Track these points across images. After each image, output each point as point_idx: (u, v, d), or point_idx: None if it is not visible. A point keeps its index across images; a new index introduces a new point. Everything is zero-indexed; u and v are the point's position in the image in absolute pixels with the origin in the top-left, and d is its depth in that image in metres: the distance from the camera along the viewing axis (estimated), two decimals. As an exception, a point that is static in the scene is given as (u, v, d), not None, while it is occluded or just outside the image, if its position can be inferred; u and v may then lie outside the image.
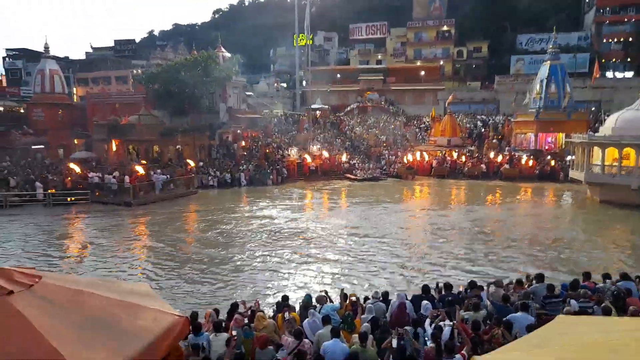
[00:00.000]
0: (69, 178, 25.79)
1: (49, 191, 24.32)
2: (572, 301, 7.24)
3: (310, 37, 54.88)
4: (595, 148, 23.77)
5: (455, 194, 27.53)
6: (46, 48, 37.70)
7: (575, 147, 26.12)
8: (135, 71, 45.12)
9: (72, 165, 27.28)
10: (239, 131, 38.46)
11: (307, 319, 7.00)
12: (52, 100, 36.66)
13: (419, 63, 60.58)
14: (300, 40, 52.78)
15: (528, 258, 14.42)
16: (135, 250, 16.05)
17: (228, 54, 39.80)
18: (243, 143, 37.00)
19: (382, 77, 54.28)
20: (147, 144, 30.62)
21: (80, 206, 23.66)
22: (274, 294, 11.28)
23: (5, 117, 38.07)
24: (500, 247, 15.59)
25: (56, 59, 42.51)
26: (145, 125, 30.28)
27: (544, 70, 35.12)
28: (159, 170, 26.72)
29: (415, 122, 45.36)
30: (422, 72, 54.88)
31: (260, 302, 8.25)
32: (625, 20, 55.06)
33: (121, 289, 4.34)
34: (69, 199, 24.32)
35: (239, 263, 14.14)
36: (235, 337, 6.28)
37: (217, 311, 7.82)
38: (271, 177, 31.10)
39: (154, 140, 30.90)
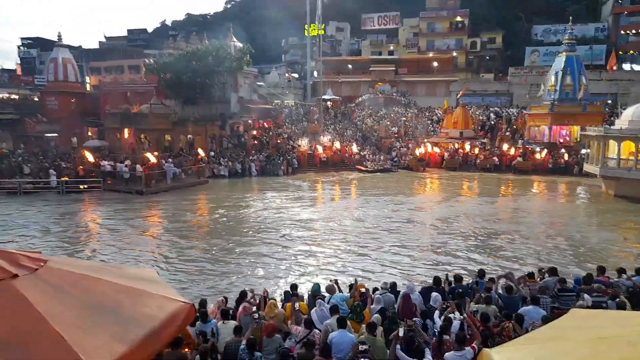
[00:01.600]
0: (82, 166, 26.02)
1: (62, 179, 24.59)
2: (586, 295, 7.12)
3: (322, 27, 54.37)
4: (611, 141, 23.31)
5: (466, 187, 27.26)
6: (59, 37, 37.91)
7: (590, 140, 25.64)
8: (147, 60, 45.23)
9: (85, 154, 27.51)
10: (250, 121, 38.45)
11: (314, 308, 6.96)
12: (66, 89, 36.92)
13: (431, 54, 59.82)
14: (312, 30, 52.37)
15: (541, 251, 14.22)
16: (145, 237, 16.16)
17: (239, 44, 39.67)
18: (254, 133, 37.00)
19: (394, 68, 53.78)
20: (158, 133, 30.74)
21: (92, 194, 23.89)
22: (282, 282, 11.26)
23: (20, 106, 38.42)
24: (512, 241, 15.40)
25: (69, 47, 42.77)
26: (157, 114, 30.39)
27: (559, 62, 34.44)
28: (170, 160, 26.84)
29: (427, 113, 44.94)
30: (435, 64, 54.24)
31: (268, 290, 8.22)
32: (645, 11, 53.68)
33: (127, 274, 4.31)
34: (81, 186, 24.57)
35: (248, 252, 14.16)
36: (256, 319, 6.25)
37: (226, 299, 7.83)
38: (282, 167, 31.07)
39: (165, 130, 31.02)
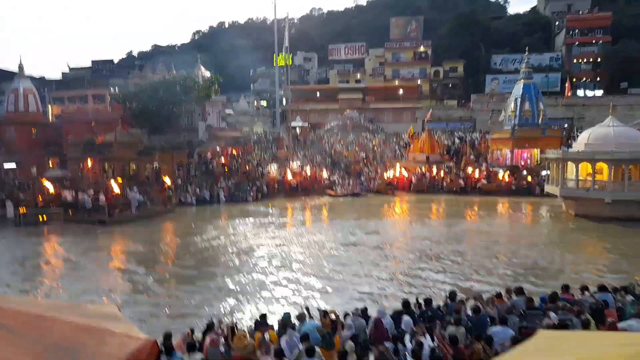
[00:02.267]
0: (41, 197, 25.03)
1: (20, 210, 23.53)
2: (552, 314, 7.25)
3: (290, 57, 55.29)
4: (569, 163, 24.32)
5: (434, 209, 27.71)
6: (20, 67, 37.00)
7: (550, 162, 26.69)
8: (113, 90, 44.59)
9: (45, 183, 26.50)
10: (218, 149, 38.20)
11: (284, 338, 6.80)
12: (26, 119, 35.82)
13: (397, 82, 61.57)
14: (280, 60, 53.17)
15: (507, 271, 14.48)
16: (106, 269, 15.55)
17: (207, 73, 39.76)
18: (223, 160, 36.73)
19: (362, 96, 54.93)
20: (123, 162, 30.09)
21: (52, 225, 22.93)
22: (249, 311, 10.99)
23: (-24, 137, 36.95)
24: (479, 260, 15.62)
25: (31, 78, 41.76)
26: (122, 143, 29.79)
27: (518, 89, 36.03)
28: (135, 188, 26.19)
29: (394, 139, 45.84)
30: (400, 91, 55.77)
31: (236, 321, 8.00)
32: (594, 41, 57.20)
33: (86, 312, 4.10)
34: (40, 218, 23.55)
35: (215, 283, 13.81)
36: (222, 353, 6.04)
37: (192, 331, 7.56)
38: (251, 193, 30.81)
39: (130, 159, 30.40)
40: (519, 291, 8.73)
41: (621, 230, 20.48)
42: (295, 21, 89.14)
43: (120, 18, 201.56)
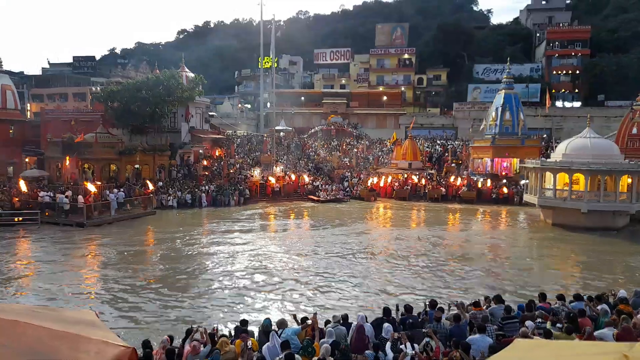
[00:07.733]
0: (17, 198, 24.43)
1: (-6, 211, 22.94)
2: (529, 322, 7.38)
3: (275, 60, 55.21)
4: (547, 173, 24.82)
5: (414, 216, 27.95)
6: (-1, 62, 36.15)
7: (528, 172, 27.21)
8: (94, 88, 43.83)
9: (20, 184, 25.86)
10: (201, 151, 37.87)
11: (267, 344, 6.79)
12: (3, 116, 34.99)
13: (381, 89, 62.11)
14: (265, 62, 53.07)
15: (485, 280, 14.69)
16: (85, 274, 15.23)
17: (191, 74, 39.42)
18: (205, 163, 36.42)
19: (346, 101, 55.24)
20: (103, 162, 29.61)
21: (28, 227, 22.35)
22: (228, 318, 10.92)
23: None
24: (458, 269, 15.81)
25: (10, 73, 40.81)
26: (102, 144, 29.33)
27: (499, 99, 36.70)
28: (115, 190, 25.76)
29: (377, 145, 46.16)
30: (384, 98, 56.28)
31: (216, 327, 7.94)
32: (573, 54, 58.66)
33: (63, 318, 4.05)
34: (16, 219, 22.97)
35: (195, 288, 13.68)
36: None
37: (171, 338, 7.48)
38: (234, 198, 30.62)
39: (111, 159, 29.92)
40: (498, 299, 8.87)
41: (595, 240, 20.97)
42: (282, 23, 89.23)
43: (103, 12, 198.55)
